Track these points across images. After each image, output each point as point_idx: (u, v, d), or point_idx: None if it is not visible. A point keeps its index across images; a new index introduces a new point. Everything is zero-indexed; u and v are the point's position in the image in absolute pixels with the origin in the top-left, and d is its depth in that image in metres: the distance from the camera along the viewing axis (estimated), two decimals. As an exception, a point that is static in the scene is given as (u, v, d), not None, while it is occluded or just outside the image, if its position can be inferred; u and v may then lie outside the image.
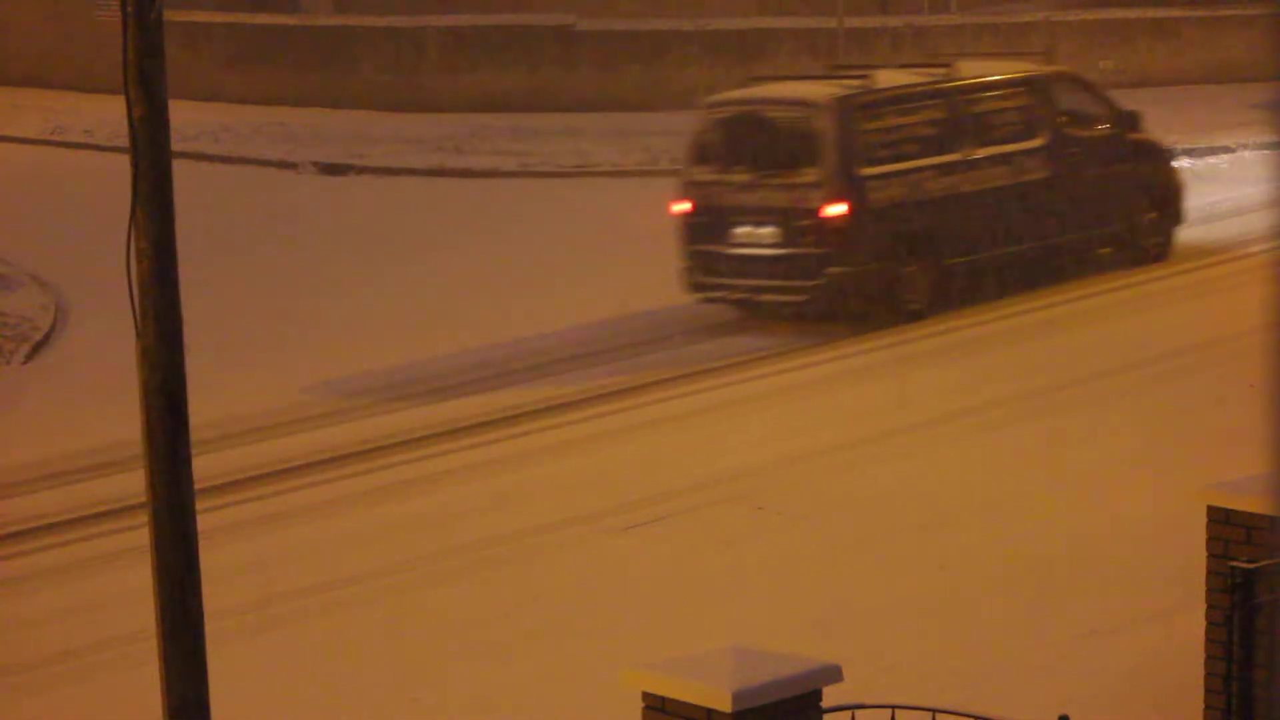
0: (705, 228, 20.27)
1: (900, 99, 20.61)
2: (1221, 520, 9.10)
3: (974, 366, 18.47)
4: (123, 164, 7.07)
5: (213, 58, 40.45)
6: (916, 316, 20.13)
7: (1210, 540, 9.15)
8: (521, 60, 38.53)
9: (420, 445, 16.64)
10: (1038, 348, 19.04)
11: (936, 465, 15.49)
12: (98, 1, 40.66)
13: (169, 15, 6.92)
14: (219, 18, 40.83)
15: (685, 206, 20.60)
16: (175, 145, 6.95)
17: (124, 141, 6.77)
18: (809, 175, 19.78)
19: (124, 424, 13.84)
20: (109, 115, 32.14)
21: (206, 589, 6.89)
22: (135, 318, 6.67)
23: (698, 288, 20.50)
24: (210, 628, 6.96)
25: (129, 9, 6.53)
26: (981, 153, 20.82)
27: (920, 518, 14.18)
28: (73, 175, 32.68)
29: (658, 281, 21.13)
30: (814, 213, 19.67)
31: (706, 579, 13.22)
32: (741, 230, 20.07)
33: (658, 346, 19.82)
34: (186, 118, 32.41)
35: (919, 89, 20.84)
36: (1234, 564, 8.64)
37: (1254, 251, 22.29)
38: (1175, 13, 38.12)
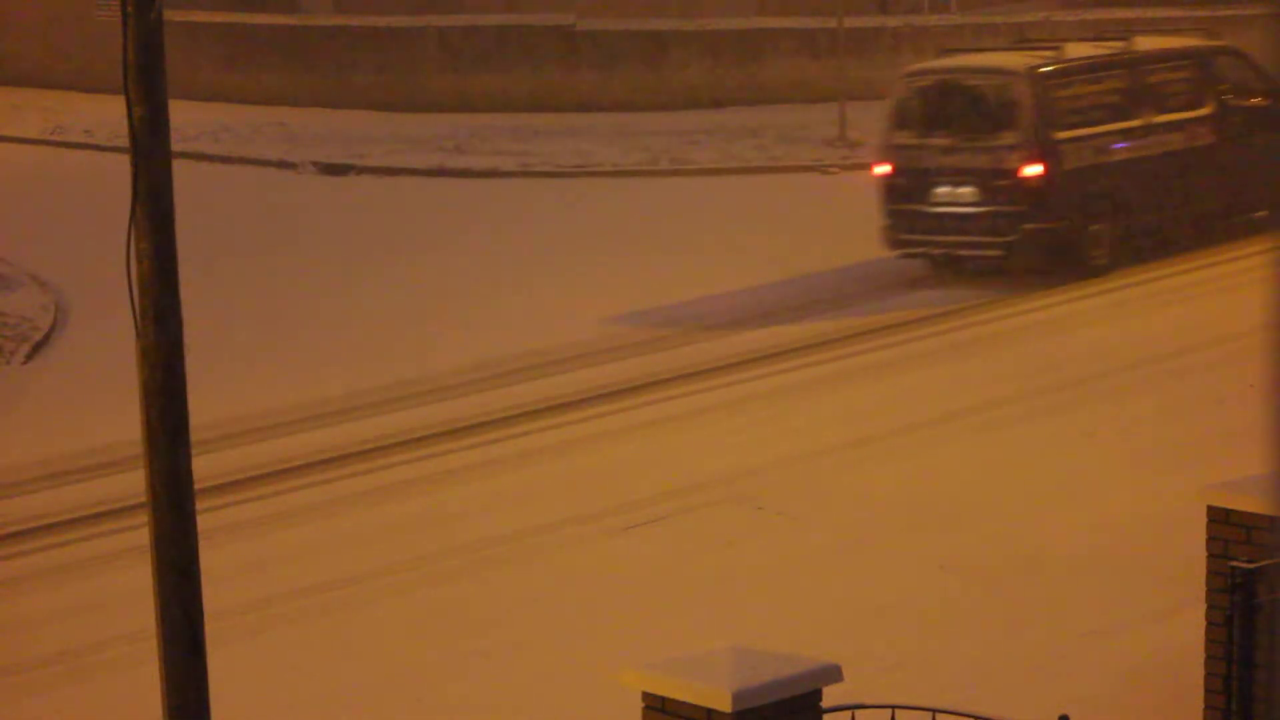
0: (905, 188, 21.96)
1: (1087, 69, 22.43)
2: (1221, 520, 9.10)
3: (974, 366, 18.47)
4: (123, 164, 7.07)
5: (213, 58, 40.45)
6: (1100, 271, 21.70)
7: (1210, 540, 9.15)
8: (522, 60, 38.53)
9: (420, 445, 16.64)
10: (1038, 347, 19.05)
11: (937, 465, 15.49)
12: (97, 1, 40.66)
13: (169, 15, 6.92)
14: (219, 18, 40.83)
15: (886, 169, 22.29)
16: (175, 145, 6.95)
17: (124, 141, 6.77)
18: (1007, 138, 21.51)
19: (124, 424, 13.85)
20: (109, 115, 32.15)
21: (206, 589, 6.88)
22: (135, 318, 6.67)
23: (897, 244, 22.21)
24: (210, 628, 6.96)
25: (129, 9, 6.53)
26: (1158, 119, 22.38)
27: (920, 518, 14.18)
28: (73, 175, 32.67)
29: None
30: (1012, 173, 21.40)
31: (706, 579, 13.21)
32: (941, 190, 21.75)
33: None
34: (186, 118, 32.40)
35: (1103, 60, 22.67)
36: (1234, 564, 8.64)
37: (1254, 251, 22.35)
38: (1175, 13, 38.09)
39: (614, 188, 29.62)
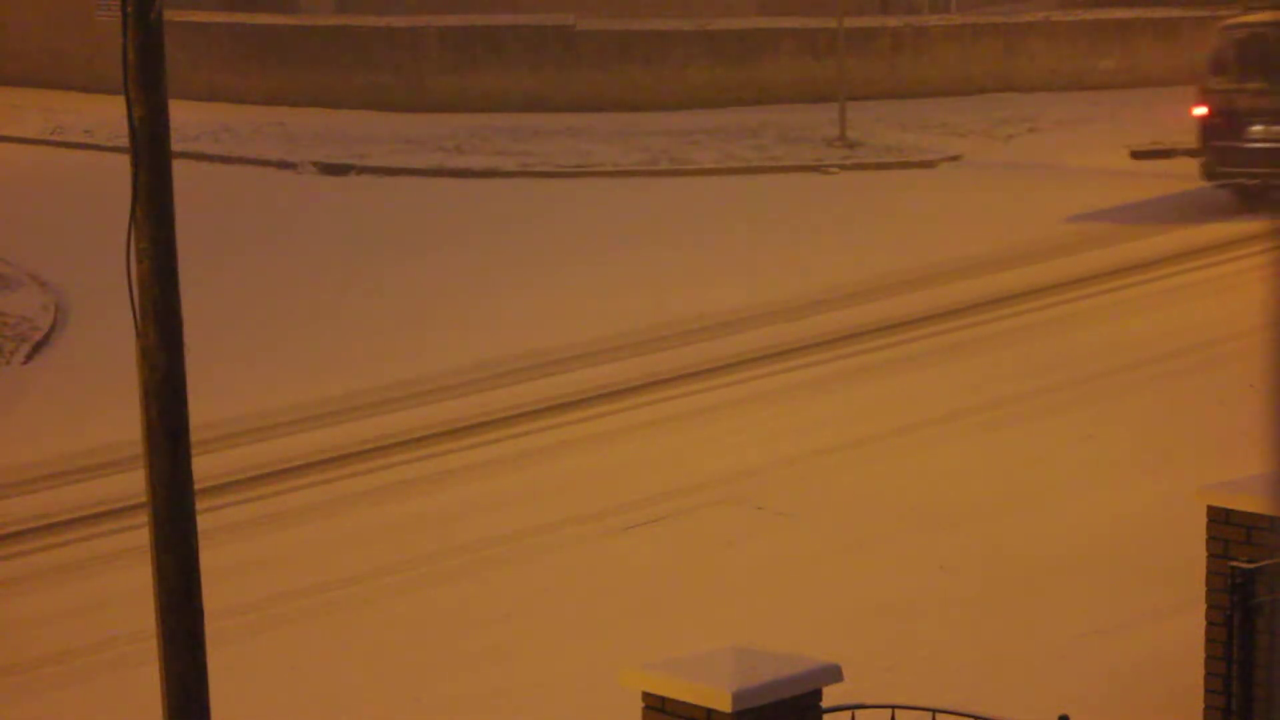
0: (1222, 127, 24.99)
1: None
2: (1221, 520, 9.11)
3: (974, 366, 18.47)
4: (123, 164, 7.07)
5: (213, 58, 40.45)
6: None
7: (1210, 540, 9.16)
8: (522, 60, 38.53)
9: (420, 445, 16.64)
10: (1038, 348, 19.05)
11: (937, 465, 15.49)
12: (98, 1, 40.66)
13: (169, 15, 6.93)
14: (219, 18, 40.83)
15: (1203, 110, 25.36)
16: (175, 145, 6.95)
17: (124, 141, 6.77)
18: None
19: (124, 424, 13.86)
20: (109, 115, 32.12)
21: (206, 589, 6.89)
22: (135, 318, 6.67)
23: (1214, 176, 25.16)
24: (210, 628, 6.97)
25: (129, 9, 6.53)
26: None
27: (921, 518, 14.18)
28: (73, 175, 32.67)
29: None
30: None
31: (706, 579, 13.21)
32: (1256, 128, 24.84)
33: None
34: (186, 118, 32.41)
35: None
36: (1234, 564, 8.65)
37: (1253, 250, 22.39)
38: (1175, 13, 38.12)
39: (614, 188, 29.61)
